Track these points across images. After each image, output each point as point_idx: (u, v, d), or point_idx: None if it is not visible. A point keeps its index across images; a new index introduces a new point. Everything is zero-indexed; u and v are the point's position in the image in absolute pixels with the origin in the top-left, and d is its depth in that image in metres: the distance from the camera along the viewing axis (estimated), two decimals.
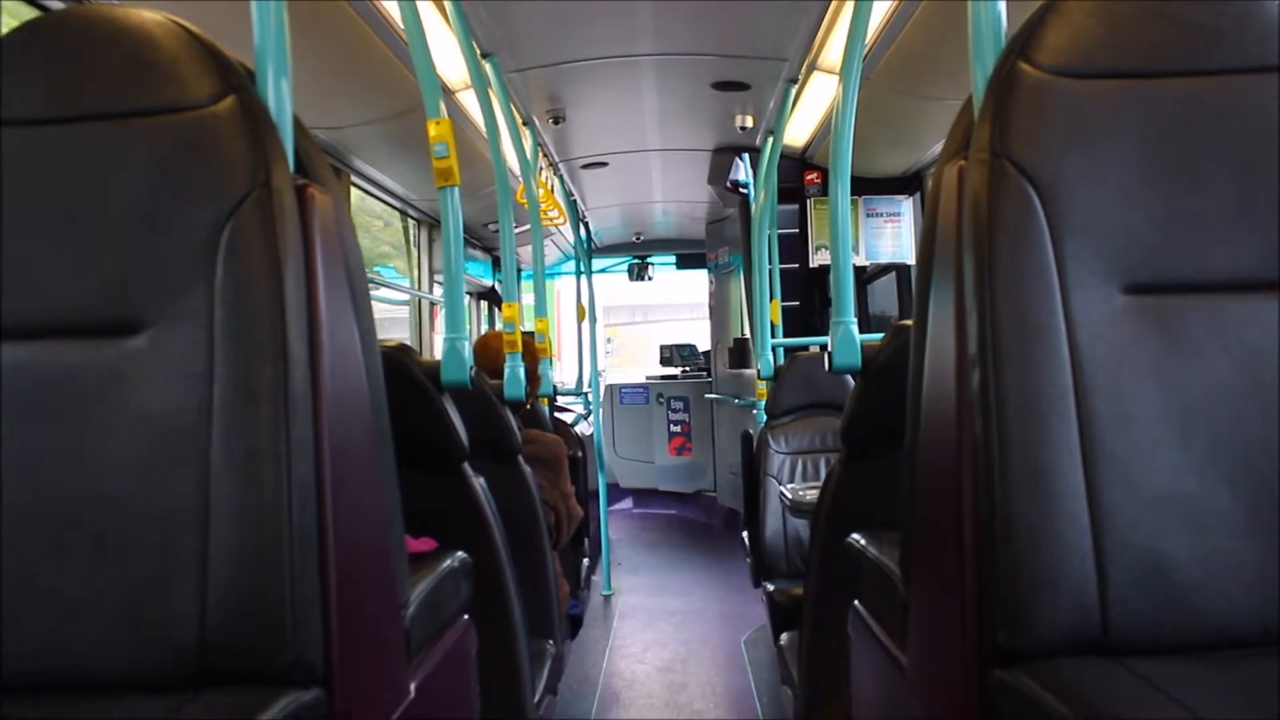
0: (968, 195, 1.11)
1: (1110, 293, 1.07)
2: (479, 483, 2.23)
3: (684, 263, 9.06)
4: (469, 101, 3.96)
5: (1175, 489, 1.04)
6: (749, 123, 4.62)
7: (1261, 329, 1.08)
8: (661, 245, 8.83)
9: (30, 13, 2.21)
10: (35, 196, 1.12)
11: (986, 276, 1.07)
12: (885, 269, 5.34)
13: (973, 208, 1.10)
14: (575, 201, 6.22)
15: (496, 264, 7.52)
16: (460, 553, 1.76)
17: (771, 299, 4.35)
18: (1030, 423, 1.04)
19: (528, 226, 3.86)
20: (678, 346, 9.23)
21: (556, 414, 5.12)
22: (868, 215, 5.16)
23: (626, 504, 8.93)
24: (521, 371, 2.79)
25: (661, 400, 8.69)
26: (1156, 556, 1.03)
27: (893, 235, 5.18)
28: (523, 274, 7.44)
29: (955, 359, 1.11)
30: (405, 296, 5.85)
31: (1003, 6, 1.23)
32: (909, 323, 1.36)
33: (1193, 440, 1.05)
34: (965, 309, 1.09)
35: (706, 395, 8.15)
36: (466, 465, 2.21)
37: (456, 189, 2.17)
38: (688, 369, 9.04)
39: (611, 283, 9.48)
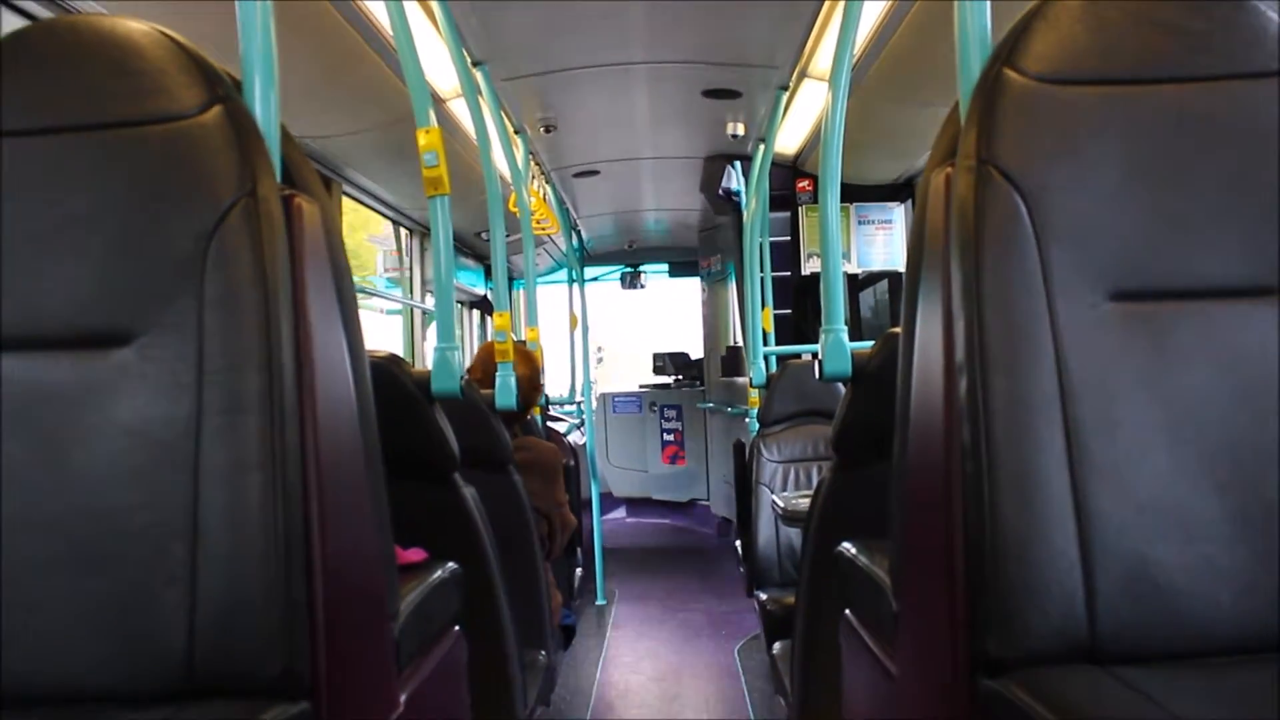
0: (955, 202, 1.11)
1: (1097, 299, 1.07)
2: (469, 493, 2.22)
3: (677, 270, 9.07)
4: (460, 110, 3.96)
5: (1163, 496, 1.04)
6: (740, 130, 4.63)
7: (1249, 335, 1.08)
8: (654, 253, 8.84)
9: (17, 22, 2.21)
10: (22, 208, 1.12)
11: (973, 283, 1.07)
12: (878, 276, 5.35)
13: (959, 215, 1.10)
14: (567, 210, 6.22)
15: (489, 272, 7.52)
16: (451, 563, 1.75)
17: (763, 307, 4.36)
18: (1018, 430, 1.04)
19: (520, 235, 3.86)
20: (671, 355, 9.23)
21: (549, 423, 5.11)
22: (859, 222, 5.18)
23: (620, 513, 8.92)
24: (513, 381, 2.77)
25: (654, 409, 8.69)
26: (1145, 563, 1.02)
27: (884, 242, 5.19)
28: (515, 283, 7.45)
29: (943, 366, 1.11)
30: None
31: (988, 13, 1.23)
32: (899, 330, 1.36)
33: (1181, 447, 1.05)
34: (953, 316, 1.09)
35: (699, 404, 8.15)
36: (457, 475, 2.20)
37: (447, 198, 2.17)
38: (680, 377, 9.04)
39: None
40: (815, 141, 4.75)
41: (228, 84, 1.17)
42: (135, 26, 1.17)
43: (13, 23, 2.20)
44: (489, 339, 5.70)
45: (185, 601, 1.04)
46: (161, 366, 1.08)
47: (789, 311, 5.18)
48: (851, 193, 5.03)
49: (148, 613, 1.04)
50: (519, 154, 4.11)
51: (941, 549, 1.10)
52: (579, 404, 6.80)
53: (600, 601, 5.66)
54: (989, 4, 1.24)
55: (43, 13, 2.25)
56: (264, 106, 1.21)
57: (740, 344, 5.97)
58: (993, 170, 1.09)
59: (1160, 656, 1.02)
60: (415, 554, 1.78)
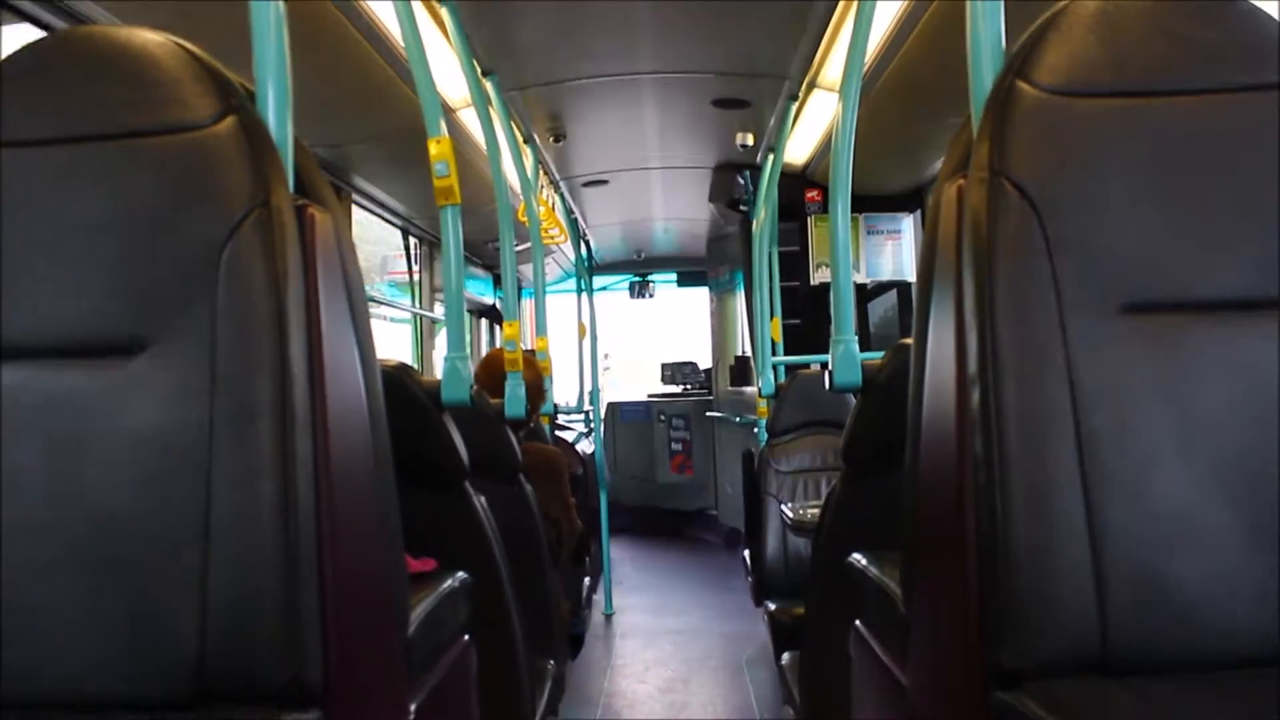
0: (967, 214, 1.11)
1: (1109, 311, 1.07)
2: (479, 502, 2.23)
3: (685, 280, 9.08)
4: (470, 120, 3.97)
5: (1176, 507, 1.03)
6: (749, 140, 4.63)
7: (1262, 348, 1.07)
8: (662, 263, 8.85)
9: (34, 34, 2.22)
10: (37, 216, 1.12)
11: (986, 295, 1.07)
12: (887, 286, 5.34)
13: (972, 226, 1.10)
14: (576, 219, 6.23)
15: (497, 281, 7.53)
16: (460, 572, 1.75)
17: (772, 317, 4.36)
18: (1030, 441, 1.04)
19: (529, 244, 3.86)
20: (679, 365, 9.24)
21: (558, 432, 5.11)
22: (868, 232, 5.17)
23: (627, 522, 8.92)
24: (522, 390, 2.78)
25: (662, 418, 8.69)
26: (1158, 575, 1.02)
27: (893, 252, 5.18)
28: (523, 292, 7.45)
29: (955, 377, 1.11)
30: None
31: (1001, 24, 1.23)
32: (909, 341, 1.36)
33: (1194, 458, 1.05)
34: (965, 327, 1.09)
35: (707, 413, 8.14)
36: (467, 484, 2.21)
37: (457, 208, 2.17)
38: (689, 387, 9.04)
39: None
40: (824, 151, 4.75)
41: (241, 94, 1.17)
42: (149, 37, 1.17)
43: (30, 34, 2.21)
44: (497, 347, 5.70)
45: (196, 608, 1.04)
46: (174, 375, 1.08)
47: (798, 321, 5.17)
48: (860, 203, 5.02)
49: (158, 619, 1.05)
50: (528, 164, 4.12)
51: (953, 560, 1.10)
52: (587, 413, 6.80)
53: (608, 610, 5.65)
54: (1002, 15, 1.24)
55: (59, 24, 2.27)
56: (277, 116, 1.22)
57: (749, 354, 5.96)
58: (1005, 182, 1.09)
59: (1174, 668, 1.01)
60: (425, 563, 1.78)
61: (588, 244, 7.18)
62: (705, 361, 8.85)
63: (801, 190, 5.22)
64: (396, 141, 3.84)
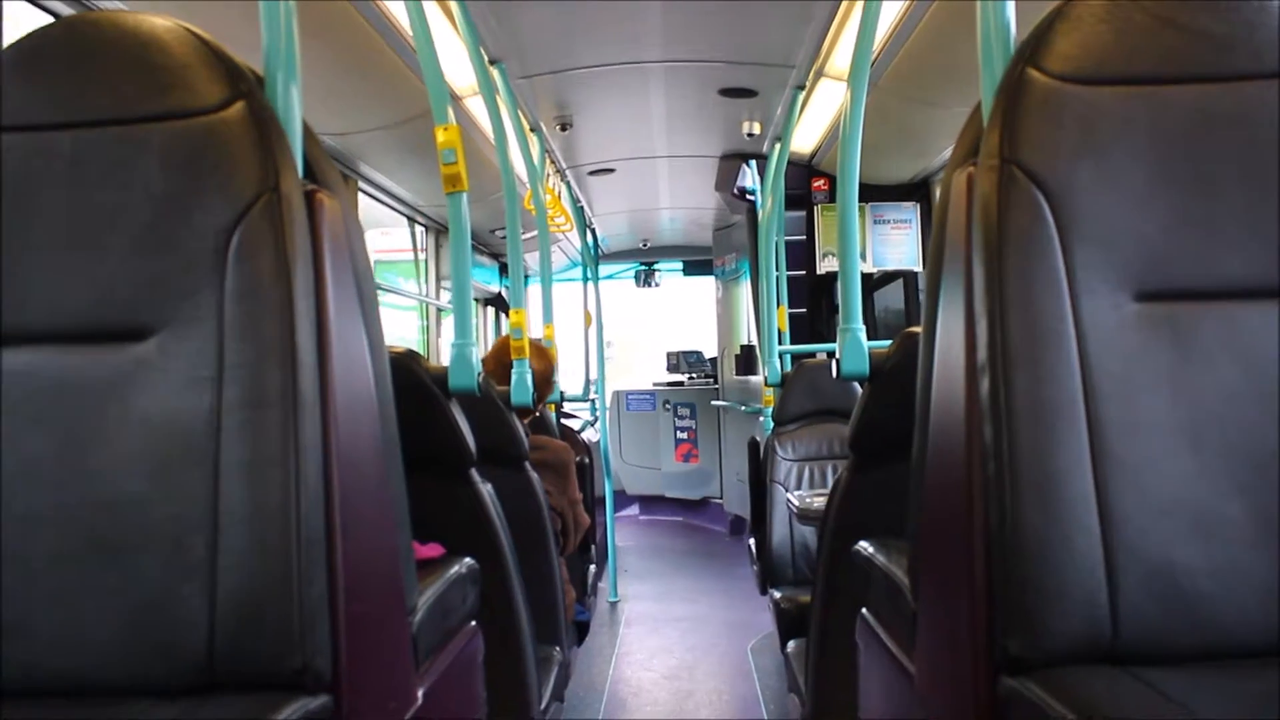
0: (977, 202, 1.11)
1: (1121, 300, 1.07)
2: (486, 489, 2.23)
3: (691, 269, 9.08)
4: (477, 108, 3.96)
5: (1186, 497, 1.03)
6: (756, 129, 4.62)
7: (1273, 336, 1.07)
8: (668, 251, 8.85)
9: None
10: (45, 201, 1.12)
11: (996, 283, 1.06)
12: (893, 275, 5.34)
13: (982, 214, 1.10)
14: (582, 208, 6.22)
15: (504, 269, 7.53)
16: (467, 559, 1.76)
17: (779, 306, 4.35)
18: (1040, 430, 1.04)
19: (535, 233, 3.86)
20: (684, 353, 9.24)
21: (563, 420, 5.11)
22: (875, 222, 5.16)
23: (633, 510, 8.93)
24: (529, 378, 2.78)
25: (668, 407, 8.69)
26: (1167, 565, 1.02)
27: (900, 242, 5.17)
28: (529, 279, 7.45)
29: (964, 366, 1.11)
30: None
31: (1012, 13, 1.23)
32: (917, 330, 1.36)
33: (1204, 448, 1.04)
34: (975, 315, 1.09)
35: (713, 402, 8.14)
36: (474, 471, 2.21)
37: (464, 195, 2.17)
38: (694, 376, 9.04)
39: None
40: (831, 141, 4.74)
41: (250, 80, 1.17)
42: (159, 22, 1.17)
43: (38, 19, 2.21)
44: (504, 335, 5.70)
45: (205, 596, 1.04)
46: (183, 361, 1.08)
47: (804, 310, 5.17)
48: (867, 192, 5.01)
49: (167, 606, 1.05)
50: (535, 152, 4.11)
51: (962, 549, 1.10)
52: (592, 401, 6.80)
53: (613, 598, 5.66)
54: (1012, 3, 1.23)
55: (66, 9, 2.26)
56: (286, 102, 1.21)
57: (754, 342, 5.96)
58: (1016, 170, 1.08)
59: (1182, 658, 1.01)
60: (433, 549, 1.79)
61: (594, 232, 7.17)
62: (711, 350, 8.85)
63: (808, 179, 5.21)
64: (404, 129, 3.84)
